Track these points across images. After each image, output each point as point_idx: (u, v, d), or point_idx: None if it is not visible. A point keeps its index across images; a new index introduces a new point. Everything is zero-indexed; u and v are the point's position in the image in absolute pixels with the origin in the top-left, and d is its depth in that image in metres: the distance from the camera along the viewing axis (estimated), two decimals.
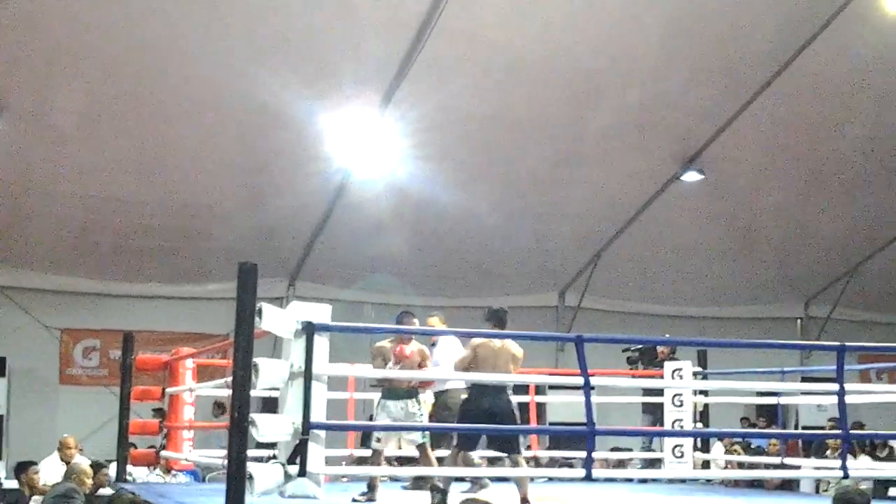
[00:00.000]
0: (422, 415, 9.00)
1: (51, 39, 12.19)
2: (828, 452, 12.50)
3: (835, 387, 8.38)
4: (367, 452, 10.04)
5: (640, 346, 13.76)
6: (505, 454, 9.04)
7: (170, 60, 12.66)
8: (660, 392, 12.35)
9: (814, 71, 13.96)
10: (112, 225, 15.42)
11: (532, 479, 12.50)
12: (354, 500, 8.98)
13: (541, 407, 15.04)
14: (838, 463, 8.80)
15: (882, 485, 11.94)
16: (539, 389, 14.13)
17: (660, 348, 13.42)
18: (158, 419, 11.85)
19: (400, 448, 9.86)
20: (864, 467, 11.31)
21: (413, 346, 8.91)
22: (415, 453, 9.15)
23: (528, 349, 16.53)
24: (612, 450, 14.44)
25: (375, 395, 9.39)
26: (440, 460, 9.25)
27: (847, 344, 8.68)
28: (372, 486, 9.14)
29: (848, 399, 8.53)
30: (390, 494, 9.87)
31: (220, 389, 10.34)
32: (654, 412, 12.75)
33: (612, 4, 12.69)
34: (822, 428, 14.48)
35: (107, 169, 14.31)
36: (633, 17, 12.89)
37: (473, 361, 8.71)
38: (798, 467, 12.05)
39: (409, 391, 8.87)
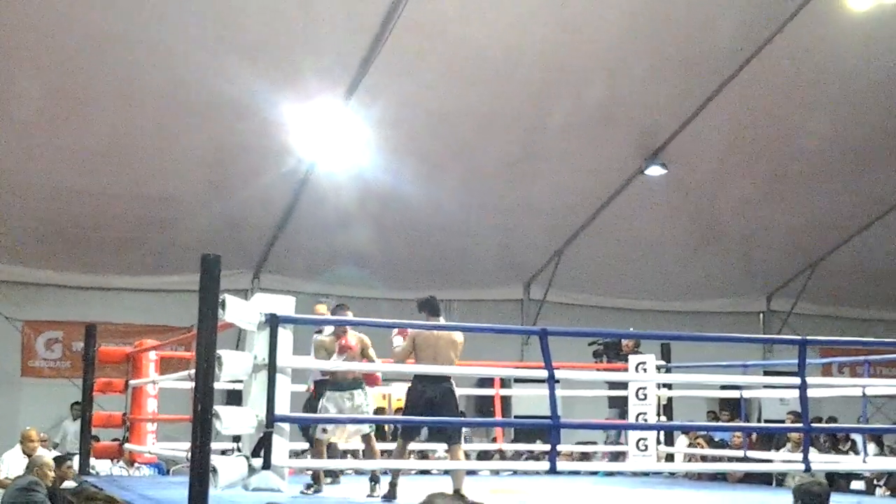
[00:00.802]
0: (368, 405, 9.04)
1: (11, 30, 12.07)
2: (788, 446, 12.58)
3: (796, 380, 8.45)
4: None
5: (605, 340, 13.79)
6: (449, 444, 8.96)
7: (132, 53, 12.55)
8: (626, 386, 12.40)
9: (776, 67, 14.04)
10: (74, 216, 15.31)
11: (497, 472, 12.62)
12: (302, 493, 9.00)
13: (506, 400, 15.09)
14: (799, 456, 8.87)
15: (844, 478, 12.06)
16: (504, 382, 14.17)
17: (624, 342, 13.47)
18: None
19: (347, 441, 9.88)
20: (821, 460, 11.38)
21: (351, 336, 8.93)
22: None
23: (494, 342, 16.74)
24: (577, 444, 14.48)
25: None
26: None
27: (808, 338, 8.77)
28: (317, 478, 9.16)
29: (809, 393, 8.61)
30: (338, 486, 9.92)
31: (183, 382, 10.29)
32: (621, 406, 12.81)
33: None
34: (784, 421, 14.58)
35: (69, 160, 14.19)
36: (595, 12, 12.91)
37: (413, 351, 8.69)
38: (760, 460, 12.13)
39: (354, 382, 8.91)
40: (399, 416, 9.22)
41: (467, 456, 13.47)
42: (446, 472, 9.38)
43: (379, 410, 10.90)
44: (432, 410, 8.44)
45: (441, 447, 11.13)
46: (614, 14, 13.00)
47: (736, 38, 13.60)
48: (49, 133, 13.71)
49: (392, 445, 9.65)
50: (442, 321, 8.93)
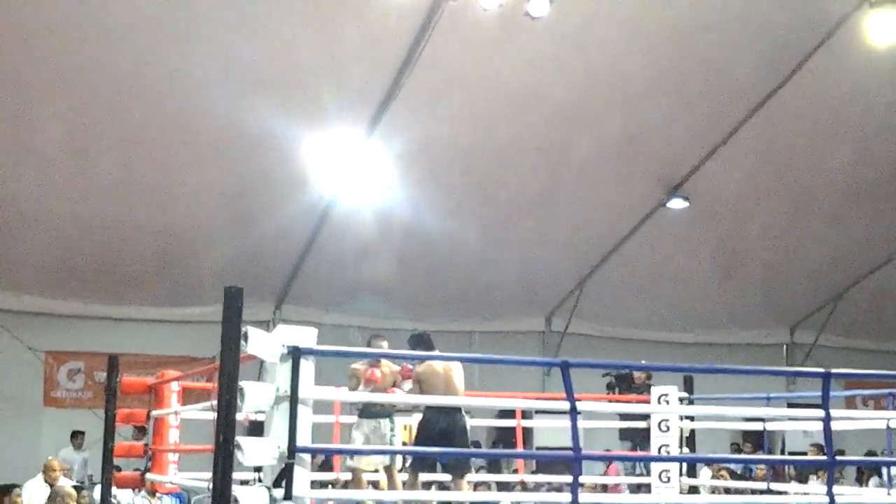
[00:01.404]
0: (394, 435, 9.03)
1: (34, 65, 12.18)
2: (814, 478, 12.48)
3: (820, 413, 8.39)
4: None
5: (617, 372, 13.71)
6: (456, 475, 8.91)
7: (155, 85, 12.66)
8: (638, 418, 12.33)
9: (798, 100, 14.05)
10: (97, 248, 15.39)
11: None
12: None
13: (528, 431, 15.03)
14: (824, 489, 8.79)
15: None
16: (526, 414, 14.12)
17: (636, 374, 13.41)
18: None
19: (376, 470, 9.86)
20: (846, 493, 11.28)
21: (384, 367, 8.94)
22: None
23: (515, 374, 16.70)
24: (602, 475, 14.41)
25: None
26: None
27: (832, 370, 8.67)
28: None
29: (833, 425, 8.54)
30: None
31: (205, 413, 10.30)
32: (633, 438, 12.74)
33: (596, 34, 12.74)
34: (807, 454, 14.50)
35: (92, 192, 14.29)
36: (617, 46, 12.95)
37: (420, 388, 8.67)
38: (784, 493, 12.03)
39: (382, 411, 8.92)
40: (416, 448, 9.13)
41: (488, 487, 13.44)
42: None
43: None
44: (447, 441, 8.43)
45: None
46: (636, 48, 13.05)
47: (757, 73, 13.62)
48: (71, 166, 13.81)
49: (432, 476, 9.69)
50: (437, 353, 8.88)
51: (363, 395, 8.89)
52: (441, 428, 8.49)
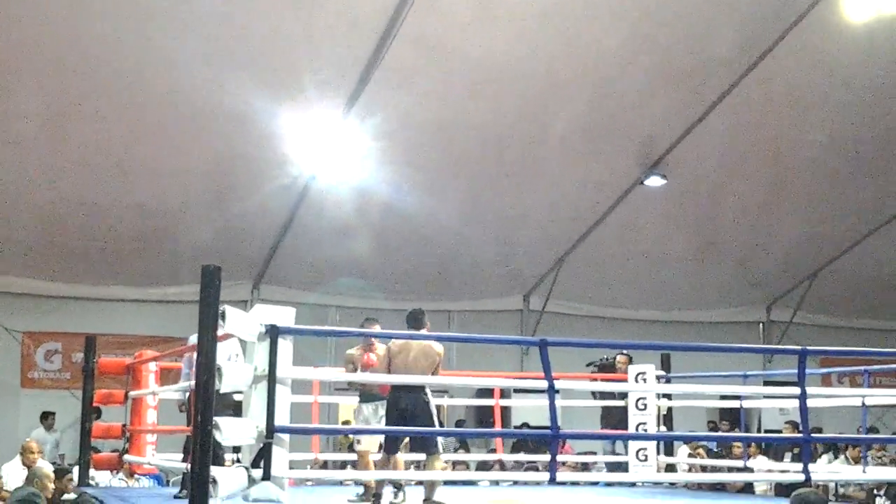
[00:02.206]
0: None
1: (11, 43, 12.09)
2: (788, 455, 12.58)
3: (796, 390, 8.44)
4: (336, 455, 10.11)
5: (600, 363, 13.76)
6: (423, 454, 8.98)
7: (132, 64, 12.57)
8: (619, 399, 12.39)
9: (775, 77, 14.06)
10: (74, 228, 15.33)
11: (497, 483, 12.62)
12: (350, 501, 9.04)
13: (506, 410, 15.08)
14: (799, 466, 8.85)
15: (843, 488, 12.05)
16: (504, 393, 14.17)
17: (619, 362, 13.46)
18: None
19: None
20: (821, 470, 11.38)
21: (380, 351, 8.97)
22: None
23: (493, 352, 16.73)
24: (579, 454, 14.47)
25: (340, 399, 9.46)
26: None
27: (808, 348, 8.74)
28: (367, 487, 9.18)
29: (809, 402, 8.60)
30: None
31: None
32: (613, 424, 12.79)
33: (573, 10, 12.71)
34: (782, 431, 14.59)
35: (69, 172, 14.21)
36: (594, 23, 12.92)
37: (390, 363, 8.69)
38: (761, 470, 12.12)
39: (381, 394, 8.96)
40: (394, 427, 9.15)
41: (467, 466, 13.49)
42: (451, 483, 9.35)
43: None
44: (405, 421, 8.45)
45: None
46: (614, 25, 13.02)
47: (735, 49, 13.61)
48: (48, 146, 13.72)
49: (411, 457, 9.74)
50: (424, 332, 8.85)
51: (339, 375, 8.91)
52: (401, 408, 8.51)
